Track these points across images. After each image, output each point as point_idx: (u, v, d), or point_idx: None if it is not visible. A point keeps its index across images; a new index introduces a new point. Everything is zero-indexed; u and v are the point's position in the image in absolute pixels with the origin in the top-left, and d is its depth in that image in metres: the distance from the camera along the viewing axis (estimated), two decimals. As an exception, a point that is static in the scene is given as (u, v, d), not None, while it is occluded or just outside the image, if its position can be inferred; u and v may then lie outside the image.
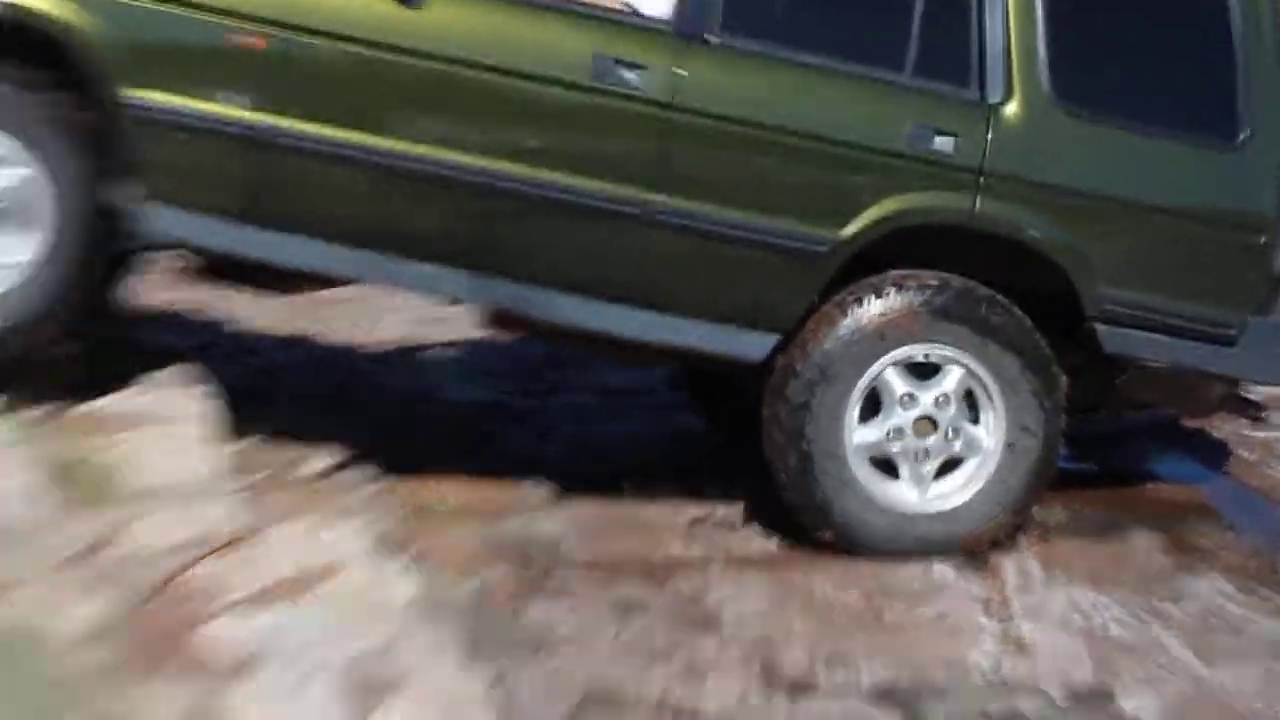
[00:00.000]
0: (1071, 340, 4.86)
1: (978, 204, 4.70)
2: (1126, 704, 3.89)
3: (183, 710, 2.98)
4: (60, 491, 3.93)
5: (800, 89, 4.66)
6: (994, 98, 4.72)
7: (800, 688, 3.91)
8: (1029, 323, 4.77)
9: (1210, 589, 4.69)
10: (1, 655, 2.89)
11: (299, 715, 3.10)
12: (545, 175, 4.47)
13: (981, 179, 4.69)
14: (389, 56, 4.37)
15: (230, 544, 3.85)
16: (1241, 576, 4.77)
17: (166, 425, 4.49)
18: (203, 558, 3.75)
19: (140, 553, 3.70)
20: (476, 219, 4.51)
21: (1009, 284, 4.78)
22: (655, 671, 3.93)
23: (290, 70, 4.34)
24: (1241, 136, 4.88)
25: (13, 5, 4.10)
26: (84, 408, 4.54)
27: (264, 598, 3.57)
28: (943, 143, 4.67)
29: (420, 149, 4.40)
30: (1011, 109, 4.72)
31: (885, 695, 3.87)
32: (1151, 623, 4.42)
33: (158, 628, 3.39)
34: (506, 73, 4.44)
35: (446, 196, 4.46)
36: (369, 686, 3.21)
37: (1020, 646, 4.22)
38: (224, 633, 3.38)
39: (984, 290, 4.75)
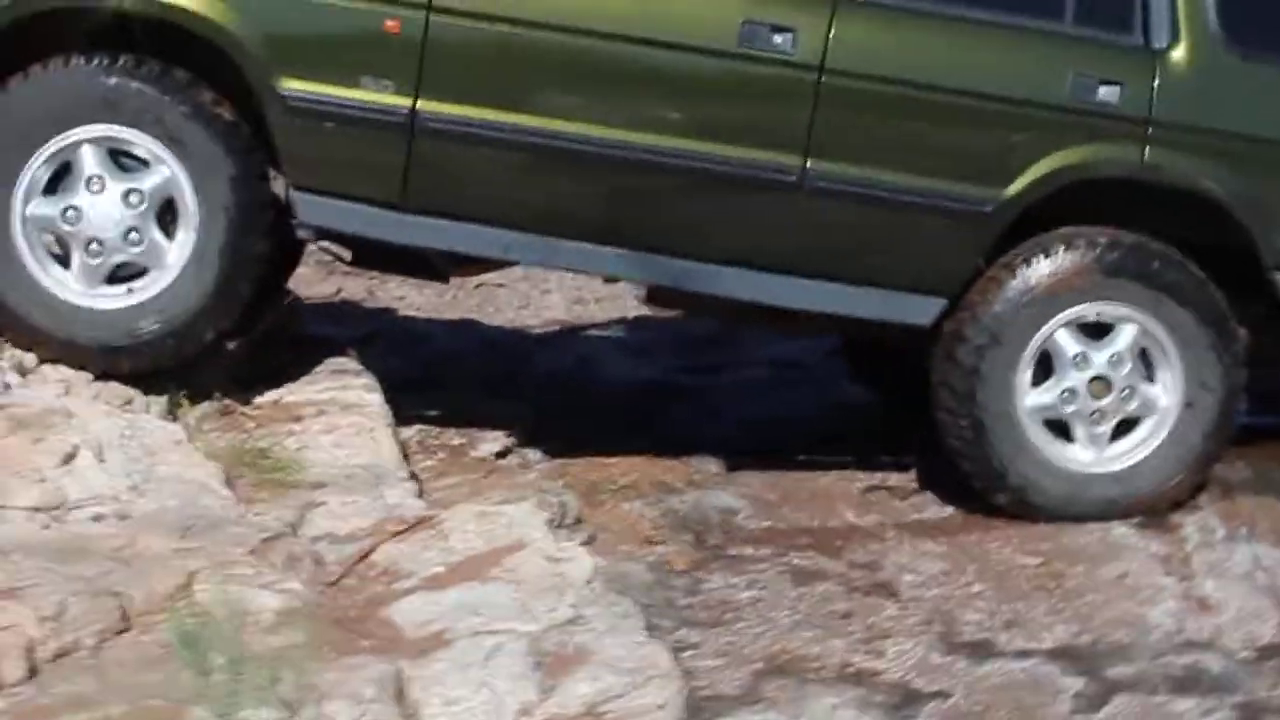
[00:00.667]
0: (1251, 292, 4.80)
1: (1147, 155, 4.66)
2: (1315, 662, 3.93)
3: (379, 685, 3.07)
4: (246, 480, 4.08)
5: (954, 44, 4.65)
6: (1160, 42, 4.67)
7: (981, 650, 3.99)
8: (1205, 277, 4.74)
9: (1402, 545, 4.65)
10: (210, 631, 2.98)
11: (490, 687, 3.17)
12: (699, 147, 4.51)
13: (1150, 129, 4.65)
14: (533, 33, 4.41)
15: (411, 526, 3.96)
16: None
17: (339, 414, 4.62)
18: (386, 540, 3.88)
19: (327, 537, 3.86)
20: (630, 194, 4.56)
21: (1183, 237, 4.74)
22: (835, 639, 4.03)
23: (435, 53, 4.37)
24: None
25: (156, 2, 4.24)
26: (258, 400, 4.69)
27: (448, 577, 3.69)
28: (1107, 93, 4.64)
29: (571, 126, 4.45)
30: (1179, 54, 4.68)
31: (1067, 656, 3.94)
32: (1337, 580, 4.42)
33: (349, 606, 3.54)
34: (655, 44, 4.48)
35: (599, 173, 4.51)
36: (556, 658, 3.31)
37: (1203, 605, 4.24)
38: (412, 611, 3.50)
39: (1157, 245, 4.73)
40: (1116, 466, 4.81)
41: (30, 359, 4.30)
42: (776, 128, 4.57)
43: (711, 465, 5.22)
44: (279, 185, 4.45)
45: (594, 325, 7.12)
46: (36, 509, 3.69)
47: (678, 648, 3.69)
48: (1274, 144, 4.75)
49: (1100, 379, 4.76)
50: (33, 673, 3.06)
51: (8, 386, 4.14)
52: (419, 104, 4.38)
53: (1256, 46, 4.72)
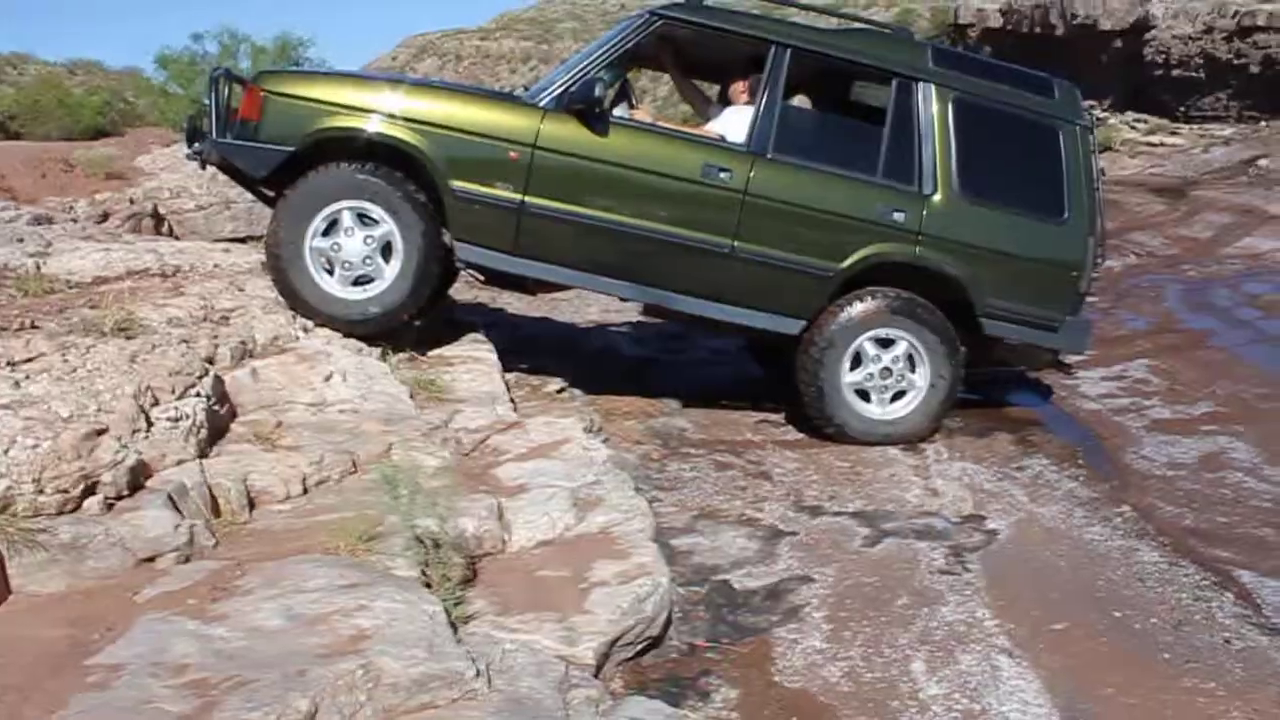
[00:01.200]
0: (967, 327, 4.82)
1: (917, 251, 4.66)
2: (991, 524, 3.93)
3: (489, 509, 3.10)
4: (421, 396, 4.07)
5: (816, 184, 4.59)
6: (928, 191, 4.67)
7: (815, 510, 4.02)
8: (944, 316, 4.78)
9: (1039, 465, 4.63)
10: (400, 475, 3.00)
11: (549, 515, 3.22)
12: (676, 229, 4.45)
13: (920, 237, 4.64)
14: (588, 163, 4.37)
15: (510, 427, 3.96)
16: (1057, 459, 4.70)
17: (473, 363, 4.61)
18: (495, 433, 3.89)
19: (464, 429, 3.85)
20: (637, 254, 4.48)
21: (933, 295, 4.76)
22: (736, 500, 4.07)
23: (536, 171, 4.31)
24: (1065, 216, 4.80)
25: (384, 134, 4.22)
26: (429, 353, 4.66)
27: (528, 455, 3.70)
28: (898, 216, 4.62)
29: (606, 214, 4.39)
30: (937, 197, 4.67)
31: (861, 516, 3.97)
32: (1005, 482, 4.42)
33: (474, 467, 3.56)
34: (653, 172, 4.43)
35: (621, 241, 4.44)
36: (585, 502, 3.34)
37: (934, 492, 4.27)
38: (508, 472, 3.53)
39: (920, 299, 4.74)
40: (892, 416, 4.82)
41: (310, 324, 4.27)
42: (718, 222, 4.49)
43: (674, 403, 5.20)
44: (447, 237, 4.39)
45: (614, 324, 7.07)
46: (310, 405, 3.70)
47: (651, 500, 3.70)
48: (984, 249, 4.71)
49: (886, 369, 4.78)
50: (305, 491, 3.14)
51: (297, 338, 4.11)
52: (525, 198, 4.32)
53: (977, 196, 4.71)
